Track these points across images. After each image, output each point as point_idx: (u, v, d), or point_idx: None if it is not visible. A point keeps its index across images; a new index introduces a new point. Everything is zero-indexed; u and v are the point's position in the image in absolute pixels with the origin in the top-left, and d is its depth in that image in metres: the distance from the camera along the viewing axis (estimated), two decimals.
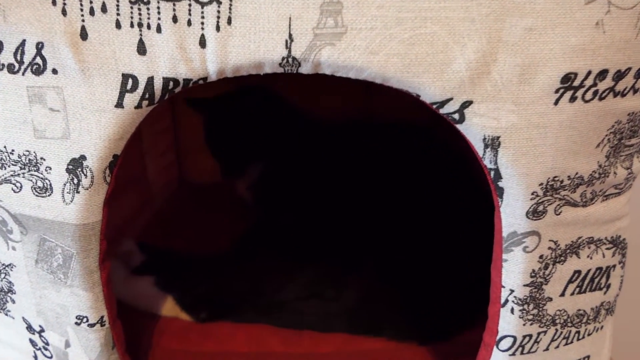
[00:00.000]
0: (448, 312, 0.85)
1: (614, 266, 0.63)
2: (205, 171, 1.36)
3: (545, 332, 0.61)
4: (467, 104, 0.50)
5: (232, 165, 1.12)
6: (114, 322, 0.64)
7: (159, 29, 0.49)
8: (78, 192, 0.54)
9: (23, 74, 0.51)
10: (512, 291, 0.59)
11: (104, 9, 0.48)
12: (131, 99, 0.51)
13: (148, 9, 0.48)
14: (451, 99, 0.50)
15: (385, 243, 0.89)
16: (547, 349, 0.63)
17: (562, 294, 0.60)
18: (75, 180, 0.54)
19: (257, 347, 0.83)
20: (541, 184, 0.53)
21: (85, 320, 0.61)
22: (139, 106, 0.52)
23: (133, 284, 0.92)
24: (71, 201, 0.55)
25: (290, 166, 1.11)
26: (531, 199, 0.53)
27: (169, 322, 0.87)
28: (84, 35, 0.49)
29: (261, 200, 1.14)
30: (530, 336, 0.61)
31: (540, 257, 0.57)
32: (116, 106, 0.51)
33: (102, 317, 0.61)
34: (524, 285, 0.58)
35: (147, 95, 0.51)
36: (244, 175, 1.12)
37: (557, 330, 0.62)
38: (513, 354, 0.62)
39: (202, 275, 0.92)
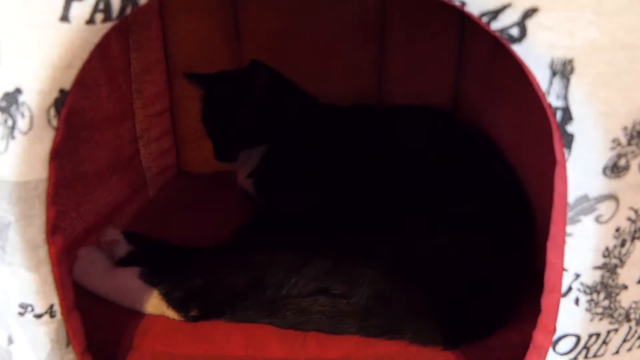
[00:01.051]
0: (477, 309, 0.71)
1: None
2: (206, 160, 1.24)
3: (616, 329, 0.47)
4: (530, 12, 0.36)
5: (229, 147, 1.00)
6: (70, 313, 0.49)
7: None
8: (13, 138, 0.41)
9: None
10: (577, 276, 0.44)
11: None
12: (81, 10, 0.38)
13: None
14: (508, 5, 0.36)
15: (402, 231, 0.75)
16: (617, 352, 0.48)
17: None
18: (10, 122, 0.40)
19: (256, 351, 0.70)
20: (625, 127, 0.38)
21: (30, 309, 0.46)
22: (91, 20, 0.38)
23: (113, 276, 0.79)
24: (5, 150, 0.41)
25: (293, 150, 0.99)
26: (611, 149, 0.39)
27: (154, 321, 0.74)
28: None
29: (263, 188, 1.02)
30: (598, 335, 0.46)
31: (617, 230, 0.42)
32: (61, 20, 0.38)
33: (51, 306, 0.47)
34: (595, 268, 0.43)
35: (101, 6, 0.38)
36: (238, 158, 1.00)
37: (630, 327, 0.47)
38: (574, 358, 0.48)
39: (195, 267, 0.79)
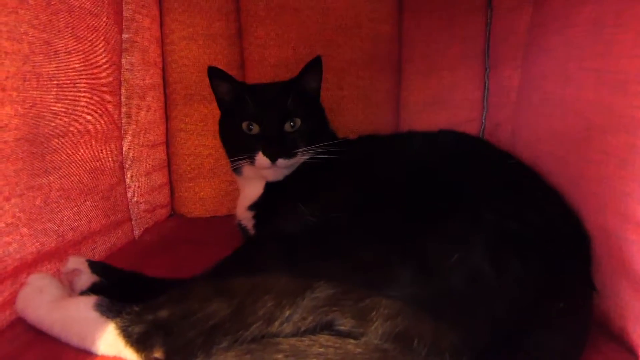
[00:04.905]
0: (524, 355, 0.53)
1: None
2: (202, 202, 1.09)
3: None
4: None
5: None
6: None
7: None
8: None
9: None
10: None
11: None
12: None
13: None
14: None
15: (427, 252, 0.57)
16: None
17: None
18: None
19: None
20: None
21: None
22: None
23: (63, 306, 0.62)
24: None
25: (305, 180, 0.86)
26: None
27: None
28: None
29: (263, 220, 0.87)
30: None
31: None
32: None
33: None
34: None
35: None
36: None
37: None
38: None
39: (165, 296, 0.60)
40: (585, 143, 0.62)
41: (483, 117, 1.03)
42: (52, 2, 0.69)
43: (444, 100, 1.04)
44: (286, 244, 0.64)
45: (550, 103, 0.72)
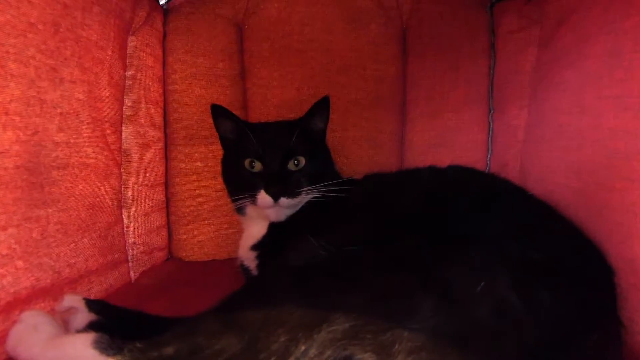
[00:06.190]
0: None
1: None
2: (201, 245, 1.05)
3: None
4: None
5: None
6: None
7: None
8: None
9: None
10: None
11: None
12: None
13: None
14: None
15: (449, 282, 0.54)
16: None
17: None
18: None
19: None
20: None
21: None
22: None
23: (59, 345, 0.57)
24: None
25: (310, 218, 0.83)
26: None
27: None
28: None
29: (267, 259, 0.83)
30: None
31: None
32: None
33: None
34: None
35: None
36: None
37: None
38: None
39: (170, 332, 0.56)
40: (607, 171, 0.60)
41: (488, 159, 1.03)
42: (61, 30, 0.68)
43: (448, 142, 1.03)
44: (299, 276, 0.60)
45: (565, 135, 0.72)
